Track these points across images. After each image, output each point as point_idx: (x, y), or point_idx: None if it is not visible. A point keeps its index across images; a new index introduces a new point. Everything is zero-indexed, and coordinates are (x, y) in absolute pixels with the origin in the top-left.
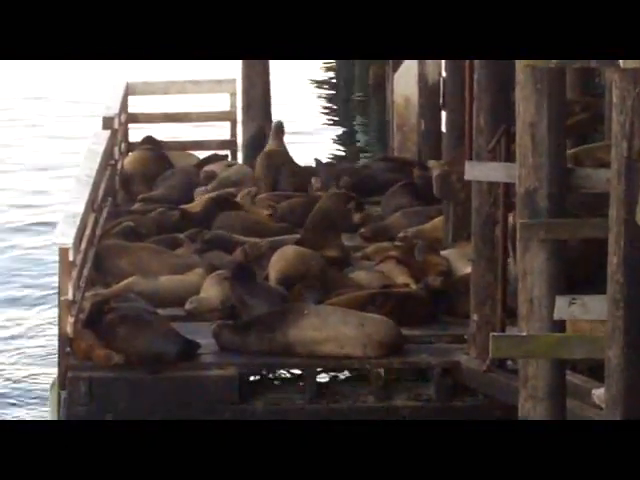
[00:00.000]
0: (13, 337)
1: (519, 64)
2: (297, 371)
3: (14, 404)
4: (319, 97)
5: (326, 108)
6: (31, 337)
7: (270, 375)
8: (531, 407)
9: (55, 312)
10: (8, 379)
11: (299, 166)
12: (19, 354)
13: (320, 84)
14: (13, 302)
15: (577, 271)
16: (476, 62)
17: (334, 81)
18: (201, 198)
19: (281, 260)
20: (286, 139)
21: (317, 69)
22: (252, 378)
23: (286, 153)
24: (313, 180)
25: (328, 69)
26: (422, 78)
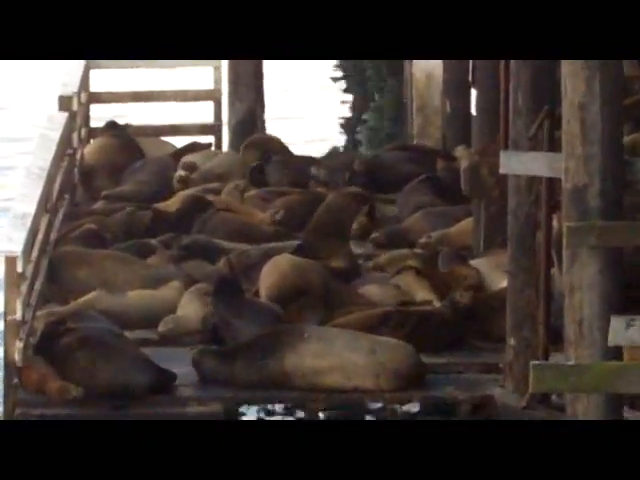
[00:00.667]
0: None
1: None
2: (295, 407)
3: None
4: (321, 71)
5: (330, 85)
6: None
7: (262, 412)
8: None
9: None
10: None
11: (295, 156)
12: None
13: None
14: None
15: (637, 286)
16: None
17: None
18: (179, 195)
19: (275, 272)
20: (280, 124)
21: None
22: (240, 415)
23: (278, 140)
24: (313, 170)
25: None
26: None
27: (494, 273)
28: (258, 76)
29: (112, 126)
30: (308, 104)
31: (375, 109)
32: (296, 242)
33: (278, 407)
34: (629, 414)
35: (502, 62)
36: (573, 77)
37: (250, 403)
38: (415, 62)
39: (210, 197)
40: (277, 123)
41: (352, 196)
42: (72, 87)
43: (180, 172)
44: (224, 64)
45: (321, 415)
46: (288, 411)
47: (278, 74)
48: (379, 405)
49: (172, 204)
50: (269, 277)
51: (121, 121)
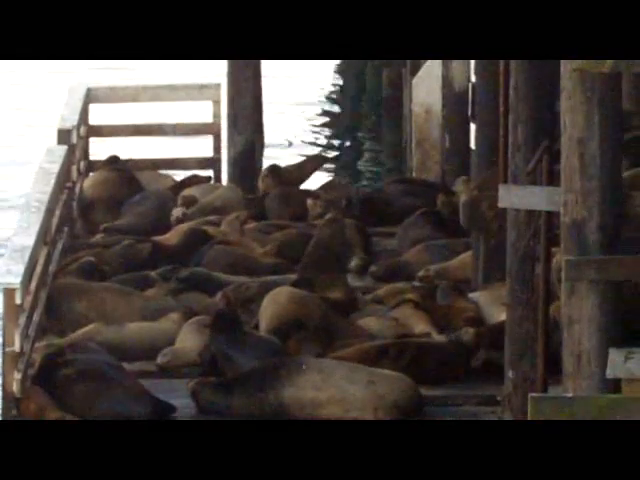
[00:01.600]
0: None
1: (565, 68)
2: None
3: None
4: (321, 105)
5: (330, 118)
6: None
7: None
8: None
9: None
10: None
11: (295, 188)
12: None
13: (323, 90)
14: None
15: (635, 319)
16: (513, 64)
17: (340, 84)
18: (178, 228)
19: (274, 304)
20: (280, 156)
21: (318, 72)
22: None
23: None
24: (310, 203)
25: (334, 71)
26: (447, 83)
27: (493, 306)
28: (257, 109)
29: (113, 161)
30: (310, 139)
31: (374, 144)
32: (293, 276)
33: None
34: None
35: (501, 97)
36: (572, 112)
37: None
38: (414, 97)
39: (209, 229)
40: (275, 152)
41: (334, 221)
42: (71, 120)
43: (177, 211)
44: (223, 98)
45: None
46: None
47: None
48: None
49: (171, 237)
50: (268, 309)
51: (120, 155)
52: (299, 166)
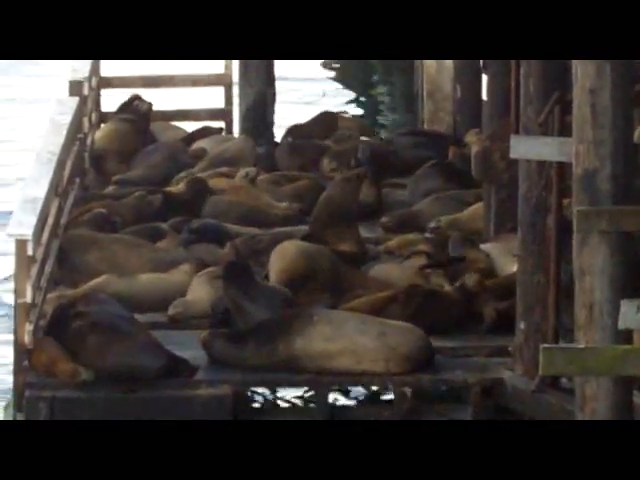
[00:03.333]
0: None
1: None
2: (304, 390)
3: None
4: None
5: (339, 71)
6: None
7: (271, 395)
8: None
9: (10, 318)
10: None
11: (306, 141)
12: None
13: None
14: None
15: None
16: None
17: None
18: (188, 178)
19: (283, 258)
20: (288, 108)
21: None
22: (250, 398)
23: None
24: (325, 162)
25: None
26: None
27: (504, 257)
28: (269, 63)
29: (126, 109)
30: (320, 90)
31: (386, 96)
32: (306, 227)
33: (287, 391)
34: (638, 398)
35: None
36: (584, 62)
37: (260, 386)
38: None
39: (221, 181)
40: (289, 107)
41: (348, 181)
42: (82, 72)
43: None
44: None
45: (330, 399)
46: (298, 396)
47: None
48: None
49: (182, 187)
50: (278, 263)
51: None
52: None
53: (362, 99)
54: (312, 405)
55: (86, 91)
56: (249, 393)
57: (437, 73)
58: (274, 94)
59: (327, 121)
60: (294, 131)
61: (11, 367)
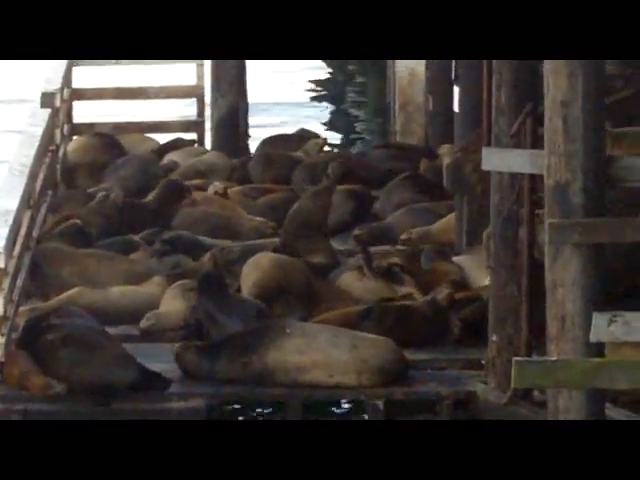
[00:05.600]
0: None
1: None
2: (277, 404)
3: None
4: (304, 69)
5: (313, 83)
6: None
7: (244, 409)
8: None
9: None
10: None
11: (277, 153)
12: None
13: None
14: None
15: (619, 283)
16: None
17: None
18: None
19: (256, 270)
20: (261, 122)
21: None
22: (222, 412)
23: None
24: (297, 174)
25: None
26: None
27: (477, 270)
28: (241, 72)
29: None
30: (294, 104)
31: (358, 108)
32: (277, 239)
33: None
34: (611, 410)
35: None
36: (555, 74)
37: (233, 400)
38: (398, 60)
39: (194, 194)
40: (258, 118)
41: (318, 193)
42: (55, 84)
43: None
44: (207, 61)
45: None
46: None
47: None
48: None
49: (154, 193)
50: (251, 275)
51: (103, 118)
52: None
53: (335, 112)
54: (284, 419)
55: (58, 103)
56: (222, 408)
57: (409, 85)
58: (247, 106)
59: (302, 135)
60: (268, 143)
61: None
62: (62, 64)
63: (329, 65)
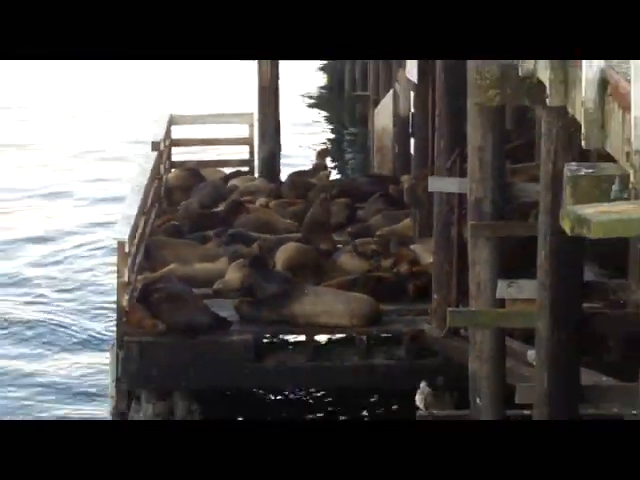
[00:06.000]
0: (82, 310)
1: (470, 103)
2: (299, 337)
3: (81, 356)
4: (319, 128)
5: (324, 135)
6: (95, 315)
7: (278, 340)
8: (478, 366)
9: (114, 292)
10: (78, 339)
11: (300, 179)
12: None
13: (318, 120)
14: (83, 286)
15: (514, 262)
16: (437, 99)
17: (326, 114)
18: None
19: (285, 253)
20: (296, 160)
21: (317, 110)
22: (264, 342)
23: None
24: (311, 194)
25: (323, 107)
26: (396, 112)
27: (425, 253)
28: (277, 130)
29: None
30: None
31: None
32: (298, 235)
33: (289, 337)
34: (509, 342)
35: (430, 121)
36: (474, 130)
37: (271, 334)
38: (376, 121)
39: (248, 206)
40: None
41: (321, 202)
42: (160, 136)
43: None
44: (255, 122)
45: (318, 339)
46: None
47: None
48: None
49: (223, 207)
50: (282, 256)
51: (191, 157)
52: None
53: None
54: (303, 346)
55: (162, 148)
56: (264, 340)
57: (383, 134)
58: (280, 150)
59: (316, 168)
60: (294, 175)
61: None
62: (164, 123)
63: (328, 121)
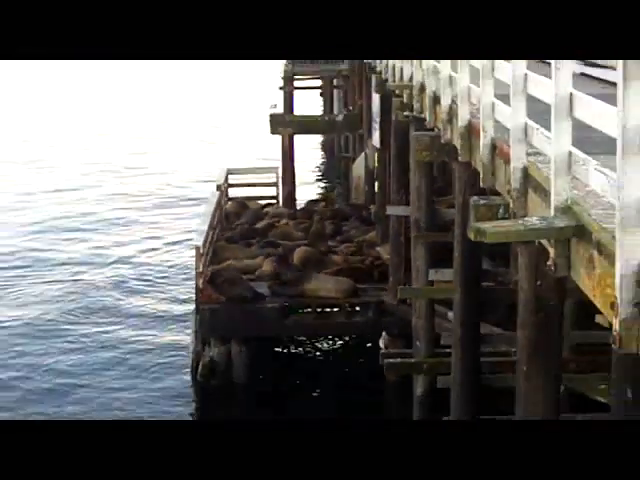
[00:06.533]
0: (169, 291)
1: (412, 160)
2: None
3: (163, 324)
4: (319, 176)
5: (323, 179)
6: (182, 300)
7: (295, 307)
8: (417, 322)
9: (193, 280)
10: (171, 307)
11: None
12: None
13: (318, 171)
14: (168, 278)
15: (440, 257)
16: (392, 158)
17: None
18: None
19: (298, 253)
20: (305, 196)
21: (317, 166)
22: (286, 308)
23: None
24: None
25: (322, 163)
26: (366, 166)
27: (385, 253)
28: (293, 177)
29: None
30: (314, 189)
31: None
32: (306, 242)
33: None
34: (437, 307)
35: (387, 172)
36: (414, 176)
37: (292, 303)
38: (354, 171)
39: (276, 224)
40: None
41: (318, 222)
42: (221, 181)
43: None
44: (279, 172)
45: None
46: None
47: (303, 178)
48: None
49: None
50: (296, 255)
51: (241, 194)
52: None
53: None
54: (310, 310)
55: (223, 189)
56: (287, 308)
57: (359, 179)
58: (295, 190)
59: (323, 199)
60: (307, 204)
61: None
62: (223, 173)
63: (325, 171)
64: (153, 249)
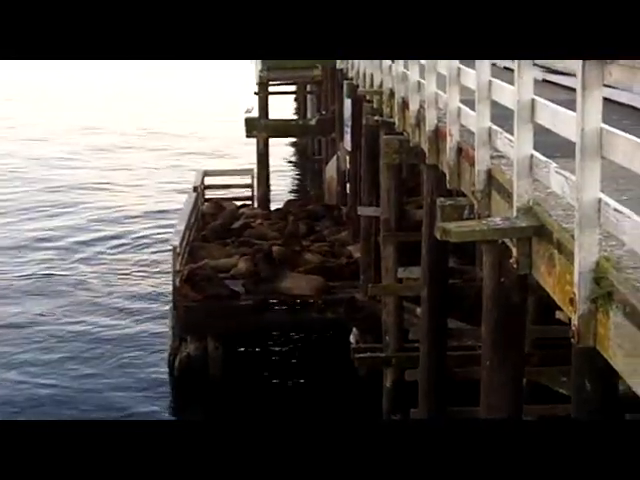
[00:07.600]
0: (146, 289)
1: (382, 162)
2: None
3: (141, 321)
4: (294, 178)
5: (297, 180)
6: (159, 290)
7: (274, 303)
8: (387, 317)
9: (170, 277)
10: (147, 304)
11: (282, 208)
12: (153, 295)
13: (293, 173)
14: (146, 276)
15: (408, 255)
16: (362, 160)
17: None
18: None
19: (274, 252)
20: (280, 196)
21: (293, 167)
22: (260, 305)
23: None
24: (290, 217)
25: (296, 165)
26: (338, 168)
27: (356, 251)
28: (267, 179)
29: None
30: (289, 188)
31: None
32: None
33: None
34: (405, 303)
35: (359, 173)
36: (384, 178)
37: (267, 299)
38: (327, 172)
39: (251, 224)
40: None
41: (293, 222)
42: (197, 183)
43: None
44: (255, 173)
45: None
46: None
47: (277, 180)
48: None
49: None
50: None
51: (216, 196)
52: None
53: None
54: (285, 307)
55: (199, 190)
56: (262, 303)
57: (331, 180)
58: (269, 191)
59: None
60: (285, 204)
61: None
62: (200, 175)
63: (299, 173)
64: (130, 246)
